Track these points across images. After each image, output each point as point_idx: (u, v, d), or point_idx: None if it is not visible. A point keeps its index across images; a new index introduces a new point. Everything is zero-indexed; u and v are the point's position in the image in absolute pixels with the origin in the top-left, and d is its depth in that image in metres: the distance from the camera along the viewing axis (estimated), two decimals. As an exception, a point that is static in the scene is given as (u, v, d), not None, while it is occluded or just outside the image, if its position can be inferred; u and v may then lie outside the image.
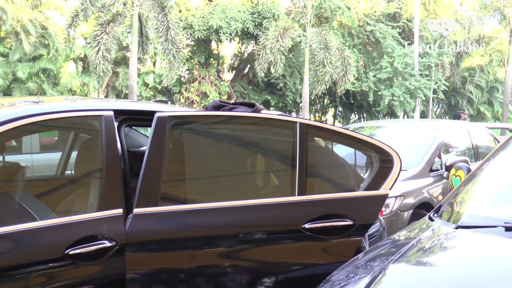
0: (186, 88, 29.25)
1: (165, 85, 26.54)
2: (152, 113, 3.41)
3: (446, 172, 7.93)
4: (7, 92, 25.00)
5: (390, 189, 3.72)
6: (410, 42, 31.92)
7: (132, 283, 3.20)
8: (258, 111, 3.76)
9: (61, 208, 3.40)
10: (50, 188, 3.79)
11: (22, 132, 3.64)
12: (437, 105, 38.55)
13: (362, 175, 3.96)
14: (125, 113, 3.70)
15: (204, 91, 28.81)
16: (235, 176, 3.71)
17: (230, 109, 3.78)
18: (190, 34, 27.34)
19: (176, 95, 30.17)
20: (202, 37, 27.16)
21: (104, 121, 3.29)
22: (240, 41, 29.95)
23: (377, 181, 3.73)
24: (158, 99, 22.27)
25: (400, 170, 3.75)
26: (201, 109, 3.99)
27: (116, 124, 3.42)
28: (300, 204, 3.55)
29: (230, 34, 26.91)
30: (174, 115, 3.55)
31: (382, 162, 3.79)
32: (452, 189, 5.62)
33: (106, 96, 29.72)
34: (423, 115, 33.36)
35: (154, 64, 30.92)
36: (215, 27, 26.52)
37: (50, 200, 3.51)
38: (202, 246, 3.40)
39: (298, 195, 3.54)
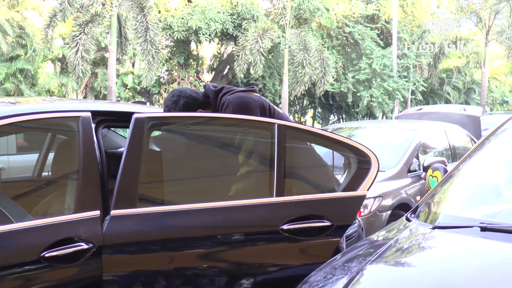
0: (165, 89, 29.18)
1: (144, 86, 26.44)
2: (130, 114, 3.39)
3: (424, 173, 7.98)
4: (-16, 93, 24.76)
5: (368, 190, 3.72)
6: (387, 43, 32.15)
7: (109, 286, 3.17)
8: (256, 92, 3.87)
9: (38, 210, 3.37)
10: (27, 190, 3.75)
11: (2, 132, 3.60)
12: (415, 106, 38.87)
13: (339, 176, 3.97)
14: (103, 114, 3.67)
15: (183, 92, 28.73)
16: (213, 177, 3.70)
17: (229, 92, 3.82)
18: (170, 35, 27.29)
19: (155, 95, 30.08)
20: (182, 38, 27.12)
21: (82, 122, 3.27)
22: (220, 42, 29.95)
23: (355, 182, 3.74)
24: (136, 100, 22.20)
25: (378, 171, 3.76)
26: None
27: (93, 125, 3.39)
28: (278, 205, 3.55)
29: (210, 35, 26.90)
30: (152, 116, 3.52)
31: (360, 163, 3.80)
32: (429, 189, 5.66)
33: (85, 97, 29.54)
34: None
35: (133, 64, 30.81)
36: (194, 28, 26.50)
37: (26, 202, 3.47)
38: (180, 247, 3.38)
39: (276, 196, 3.53)
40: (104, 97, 27.24)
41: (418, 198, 7.85)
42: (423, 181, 8.04)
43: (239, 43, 26.28)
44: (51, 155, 3.65)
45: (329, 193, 3.78)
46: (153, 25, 22.11)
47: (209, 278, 3.43)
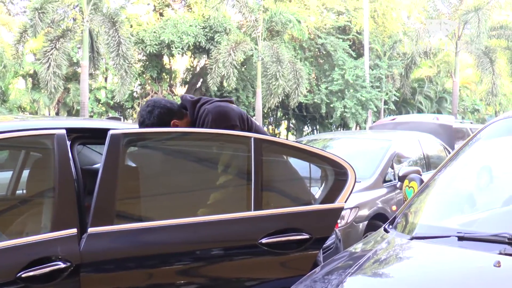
0: (139, 103, 29.08)
1: (118, 101, 26.32)
2: (105, 130, 3.37)
3: (399, 183, 8.04)
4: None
5: (345, 201, 3.74)
6: (359, 54, 32.41)
7: None
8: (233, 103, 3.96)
9: (13, 229, 3.32)
10: (4, 209, 3.70)
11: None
12: (388, 116, 39.18)
13: (316, 189, 3.98)
14: (78, 131, 3.65)
15: (157, 106, 28.63)
16: (190, 192, 3.69)
17: (207, 102, 3.85)
18: (142, 49, 27.23)
19: (128, 110, 29.95)
20: (154, 51, 27.08)
21: (57, 139, 3.25)
22: (192, 55, 29.96)
23: (332, 194, 3.76)
24: (111, 115, 22.08)
25: (355, 182, 3.78)
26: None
27: (68, 142, 3.37)
28: (256, 219, 3.55)
29: (182, 49, 26.89)
30: (128, 133, 3.51)
31: (337, 175, 3.82)
32: (405, 200, 5.70)
33: (57, 113, 29.30)
34: (375, 126, 33.76)
35: (105, 79, 30.67)
36: (167, 42, 26.48)
37: (0, 221, 3.42)
38: (159, 264, 3.37)
39: (254, 210, 3.53)
40: (77, 113, 27.07)
41: (394, 208, 7.90)
42: (399, 190, 8.11)
43: (211, 56, 26.31)
44: (25, 173, 3.61)
45: (307, 206, 3.79)
46: (125, 39, 22.06)
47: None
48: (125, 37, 22.24)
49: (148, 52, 27.07)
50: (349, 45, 32.35)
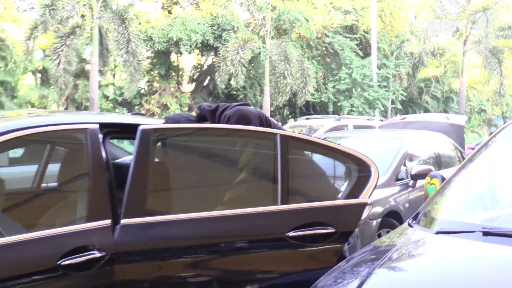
0: (147, 100, 29.17)
1: (126, 98, 26.43)
2: (135, 126, 3.47)
3: (411, 181, 8.14)
4: (-37, 106, 24.56)
5: (369, 197, 3.84)
6: (367, 53, 32.42)
7: None
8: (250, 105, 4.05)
9: (51, 220, 3.43)
10: (38, 201, 3.81)
11: (12, 145, 3.67)
12: (394, 115, 39.20)
13: (340, 184, 4.08)
14: (108, 126, 3.75)
15: (164, 103, 28.77)
16: (219, 186, 3.79)
17: (226, 108, 3.92)
18: (150, 46, 27.29)
19: (136, 107, 30.04)
20: (162, 49, 27.14)
21: (90, 134, 3.35)
22: (200, 53, 30.02)
23: (356, 189, 3.85)
24: (134, 112, 22.17)
25: (378, 179, 3.87)
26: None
27: (100, 136, 3.47)
28: (284, 213, 3.64)
29: (190, 46, 26.94)
30: (158, 128, 3.62)
31: (360, 172, 3.91)
32: (427, 197, 5.79)
33: (66, 109, 29.42)
34: (382, 125, 33.80)
35: (114, 76, 30.76)
36: (175, 39, 26.53)
37: (37, 213, 3.53)
38: (188, 255, 3.47)
39: (281, 204, 3.63)
40: (86, 109, 27.17)
41: (406, 205, 7.99)
42: (411, 189, 8.20)
43: (219, 54, 26.38)
44: (60, 167, 3.71)
45: (332, 201, 3.89)
46: (134, 36, 22.17)
47: (219, 284, 3.52)
48: (135, 34, 22.35)
49: (156, 49, 27.13)
50: (356, 44, 32.40)
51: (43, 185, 4.13)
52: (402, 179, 8.31)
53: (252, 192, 3.80)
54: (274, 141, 3.70)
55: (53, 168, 3.82)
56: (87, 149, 3.34)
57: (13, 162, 4.81)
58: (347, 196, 3.87)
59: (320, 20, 32.24)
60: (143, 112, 28.62)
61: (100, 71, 25.39)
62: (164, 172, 3.63)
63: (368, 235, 7.20)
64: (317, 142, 3.95)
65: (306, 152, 4.08)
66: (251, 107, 4.15)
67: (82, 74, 28.40)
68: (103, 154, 3.45)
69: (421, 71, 35.95)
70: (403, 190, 8.14)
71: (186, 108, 29.16)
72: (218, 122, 4.03)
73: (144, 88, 29.87)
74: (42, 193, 4.12)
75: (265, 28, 26.67)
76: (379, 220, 7.46)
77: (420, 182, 8.19)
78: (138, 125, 3.44)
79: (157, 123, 4.10)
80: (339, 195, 3.93)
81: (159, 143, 3.59)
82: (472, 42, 32.43)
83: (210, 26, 27.60)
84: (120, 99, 28.75)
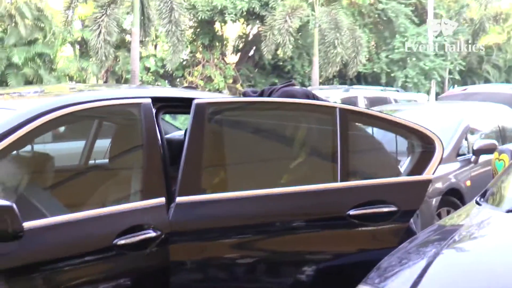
0: (190, 72, 29.29)
1: (168, 69, 26.60)
2: (189, 100, 3.52)
3: (473, 156, 8.06)
4: (2, 78, 25.07)
5: (433, 174, 3.84)
6: (422, 20, 31.87)
7: (177, 273, 3.32)
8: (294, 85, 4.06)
9: (107, 197, 3.52)
10: (91, 178, 3.91)
11: (64, 121, 3.77)
12: (452, 87, 38.61)
13: (403, 160, 4.08)
14: (161, 100, 3.81)
15: (208, 75, 28.87)
16: (276, 162, 3.84)
17: (272, 91, 3.94)
18: (193, 15, 27.34)
19: (178, 79, 30.24)
20: (206, 18, 27.15)
21: (143, 109, 3.40)
22: (245, 22, 29.96)
23: (420, 166, 3.86)
24: (186, 85, 22.32)
25: (442, 154, 3.87)
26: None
27: (154, 111, 3.54)
28: (344, 191, 3.68)
29: (235, 15, 26.90)
30: (213, 102, 3.67)
31: (424, 147, 3.91)
32: (495, 173, 5.74)
33: (106, 81, 29.80)
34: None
35: (155, 47, 30.96)
36: (219, 8, 26.51)
37: (93, 190, 3.62)
38: (246, 234, 3.53)
39: (341, 181, 3.66)
40: (126, 82, 27.45)
41: (468, 183, 7.93)
42: (473, 165, 8.12)
43: (266, 22, 26.27)
44: (113, 143, 3.79)
45: (394, 177, 3.90)
46: (177, 5, 22.23)
47: (277, 264, 3.58)
48: (178, 2, 22.42)
49: (199, 18, 27.14)
50: (411, 10, 31.87)
51: (98, 161, 4.23)
52: (464, 154, 8.24)
53: (310, 169, 3.84)
54: (333, 115, 3.71)
55: (107, 144, 3.90)
56: (141, 124, 3.41)
57: (65, 138, 4.94)
58: (410, 173, 3.88)
59: (373, -15, 31.80)
60: (185, 84, 28.82)
61: (141, 41, 25.57)
62: (219, 148, 3.69)
63: (427, 214, 7.18)
64: (378, 116, 3.96)
65: (366, 127, 4.09)
66: (297, 87, 4.19)
67: (122, 45, 28.66)
68: (157, 130, 3.52)
69: (481, 39, 35.21)
70: (464, 166, 8.08)
71: (231, 80, 29.23)
72: None
73: (186, 60, 30.00)
74: (97, 170, 4.22)
75: (315, -6, 26.45)
76: (439, 198, 7.43)
77: (482, 158, 8.11)
78: (192, 99, 3.49)
79: (211, 96, 4.15)
80: (402, 172, 3.94)
81: (215, 118, 3.64)
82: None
83: (256, -7, 27.49)
84: (161, 71, 28.95)
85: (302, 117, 3.94)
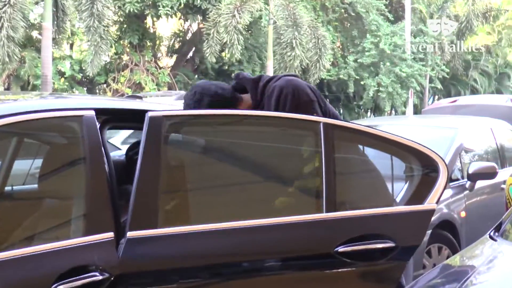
0: (114, 77, 29.11)
1: (88, 74, 26.37)
2: (141, 112, 3.52)
3: (469, 182, 8.20)
4: None
5: (436, 202, 3.91)
6: (398, 17, 32.36)
7: None
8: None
9: (39, 233, 3.48)
10: (17, 209, 3.85)
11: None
12: (432, 97, 39.25)
13: (400, 186, 4.15)
14: (107, 113, 3.81)
15: (137, 81, 28.73)
16: (248, 189, 3.85)
17: (272, 79, 4.04)
18: (119, 7, 27.19)
19: (99, 86, 30.05)
20: (135, 11, 27.02)
21: (85, 122, 3.39)
22: (183, 17, 29.99)
23: (421, 193, 3.92)
24: (130, 94, 22.05)
25: (448, 179, 3.94)
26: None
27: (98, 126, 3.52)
28: (330, 223, 3.71)
29: (172, 8, 26.85)
30: (171, 115, 3.68)
31: (425, 170, 3.98)
32: (510, 202, 5.86)
33: (8, 88, 29.39)
34: (416, 110, 33.91)
35: (71, 46, 30.73)
36: (152, -1, 26.49)
37: (16, 225, 3.56)
38: (212, 276, 3.54)
39: (327, 211, 3.70)
40: (34, 88, 27.10)
41: (463, 214, 8.05)
42: (468, 192, 8.26)
43: (209, 18, 26.34)
44: (46, 163, 3.75)
45: (390, 207, 3.96)
46: (101, -6, 22.15)
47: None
48: (102, -9, 22.35)
49: (127, 11, 27.01)
50: (385, 4, 32.39)
51: (25, 187, 4.18)
52: (457, 179, 8.37)
53: (289, 197, 3.87)
54: (316, 131, 3.76)
55: (38, 166, 3.86)
56: (82, 142, 3.39)
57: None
58: (409, 201, 3.94)
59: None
60: (109, 93, 28.66)
61: (53, 39, 25.32)
62: (179, 171, 3.69)
63: (416, 250, 7.26)
64: (370, 133, 4.01)
65: (357, 146, 4.14)
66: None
67: (29, 43, 28.35)
68: (103, 149, 3.51)
69: (468, 40, 36.00)
70: (458, 193, 8.18)
71: (165, 88, 29.16)
72: (262, 95, 4.10)
73: (110, 62, 29.82)
74: (25, 199, 4.17)
75: (269, -16, 26.67)
76: (429, 232, 7.53)
77: (479, 183, 8.26)
78: (144, 111, 3.49)
79: (168, 108, 4.15)
80: (399, 200, 4.00)
81: (173, 134, 3.65)
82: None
83: (197, -18, 27.56)
84: (79, 76, 28.74)
85: (280, 133, 3.97)
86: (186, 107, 4.09)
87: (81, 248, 3.25)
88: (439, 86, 34.41)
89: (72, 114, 3.49)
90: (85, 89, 29.68)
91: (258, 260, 3.65)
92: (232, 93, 4.17)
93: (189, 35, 31.91)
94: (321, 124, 3.79)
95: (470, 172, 8.07)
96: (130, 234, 3.33)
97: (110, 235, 3.31)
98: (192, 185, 3.76)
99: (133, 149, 4.33)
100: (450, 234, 7.88)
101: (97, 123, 3.47)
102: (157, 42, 31.49)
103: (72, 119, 3.47)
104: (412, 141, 4.06)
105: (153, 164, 3.45)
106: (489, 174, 8.13)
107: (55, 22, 23.73)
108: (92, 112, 3.45)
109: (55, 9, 23.35)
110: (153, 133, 3.45)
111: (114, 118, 3.88)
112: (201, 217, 3.68)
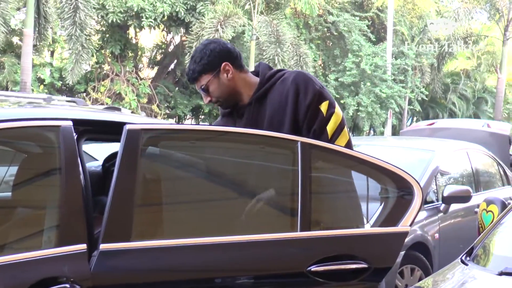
0: (94, 87, 29.07)
1: (67, 82, 26.31)
2: (119, 124, 3.52)
3: (443, 205, 8.27)
4: None
5: (410, 225, 3.92)
6: (380, 38, 32.56)
7: None
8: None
9: (10, 243, 3.45)
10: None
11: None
12: (410, 119, 39.47)
13: (375, 207, 4.16)
14: (84, 124, 3.79)
15: (117, 92, 28.70)
16: (224, 206, 3.85)
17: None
18: (102, 17, 27.19)
19: (79, 95, 29.97)
20: (118, 21, 27.03)
21: (62, 133, 3.38)
22: (166, 29, 30.02)
23: (395, 215, 3.93)
24: (108, 105, 22.02)
25: (422, 202, 3.96)
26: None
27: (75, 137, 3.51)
28: (305, 242, 3.72)
29: (155, 20, 26.89)
30: (149, 128, 3.68)
31: (400, 193, 4.00)
32: (482, 227, 5.91)
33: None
34: (395, 130, 34.08)
35: (51, 54, 30.66)
36: (135, 9, 26.43)
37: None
38: None
39: (301, 230, 3.71)
40: (13, 95, 26.99)
41: (436, 236, 8.12)
42: (442, 214, 8.33)
43: (192, 31, 26.38)
44: (21, 175, 3.73)
45: (364, 228, 3.97)
46: (84, 3, 22.09)
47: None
48: (85, 1, 22.29)
49: (110, 21, 27.01)
50: (367, 25, 32.58)
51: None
52: (431, 202, 8.44)
53: (265, 214, 3.87)
54: (294, 151, 3.77)
55: (12, 174, 3.84)
56: (59, 153, 3.38)
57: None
58: (383, 223, 3.95)
59: (322, -7, 32.39)
60: (89, 102, 28.59)
61: (34, 46, 25.25)
62: (155, 185, 3.68)
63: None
64: (348, 154, 4.02)
65: (334, 166, 4.15)
66: None
67: (9, 49, 28.25)
68: (79, 161, 3.50)
69: (448, 63, 36.25)
70: (432, 216, 8.26)
71: (145, 100, 29.14)
72: (268, 79, 4.17)
73: (91, 71, 29.79)
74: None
75: (253, 0, 26.74)
76: (402, 253, 7.57)
77: (453, 206, 8.34)
78: (122, 123, 3.49)
79: (144, 121, 4.15)
80: (374, 222, 4.02)
81: (150, 148, 3.64)
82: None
83: (181, -5, 27.61)
84: (59, 84, 28.65)
85: (258, 151, 3.97)
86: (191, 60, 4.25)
87: (52, 259, 3.22)
88: (418, 108, 34.59)
89: (50, 124, 3.47)
90: (64, 97, 29.58)
91: (231, 277, 3.65)
92: (240, 57, 4.32)
93: (171, 47, 31.92)
94: (299, 143, 3.80)
95: (445, 194, 8.16)
96: (103, 246, 3.31)
97: (82, 246, 3.28)
98: (168, 199, 3.75)
99: (110, 160, 4.33)
100: (423, 256, 7.95)
101: (74, 134, 3.46)
102: (139, 53, 31.49)
103: (49, 129, 3.45)
104: (388, 163, 4.08)
105: (129, 177, 3.44)
106: (464, 197, 8.23)
107: (37, 29, 23.68)
108: (70, 123, 3.44)
109: (37, 16, 23.29)
110: (131, 146, 3.44)
111: (91, 130, 3.86)
112: (175, 231, 3.67)
